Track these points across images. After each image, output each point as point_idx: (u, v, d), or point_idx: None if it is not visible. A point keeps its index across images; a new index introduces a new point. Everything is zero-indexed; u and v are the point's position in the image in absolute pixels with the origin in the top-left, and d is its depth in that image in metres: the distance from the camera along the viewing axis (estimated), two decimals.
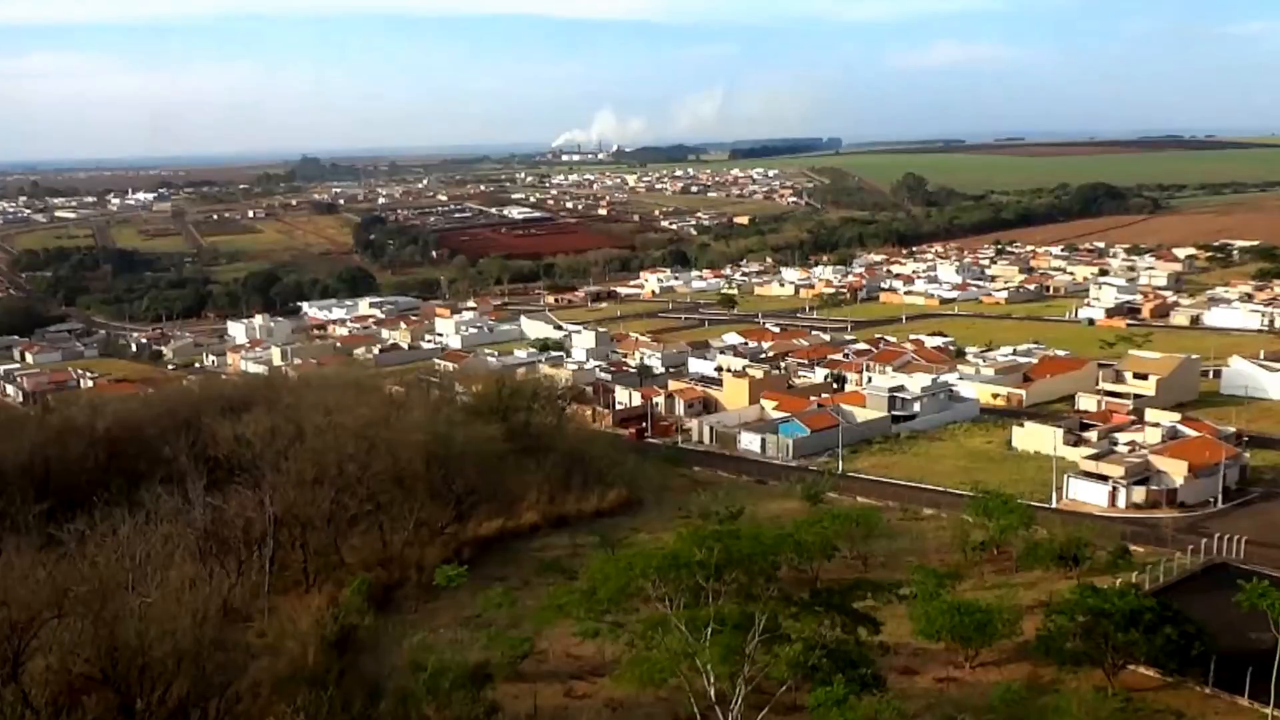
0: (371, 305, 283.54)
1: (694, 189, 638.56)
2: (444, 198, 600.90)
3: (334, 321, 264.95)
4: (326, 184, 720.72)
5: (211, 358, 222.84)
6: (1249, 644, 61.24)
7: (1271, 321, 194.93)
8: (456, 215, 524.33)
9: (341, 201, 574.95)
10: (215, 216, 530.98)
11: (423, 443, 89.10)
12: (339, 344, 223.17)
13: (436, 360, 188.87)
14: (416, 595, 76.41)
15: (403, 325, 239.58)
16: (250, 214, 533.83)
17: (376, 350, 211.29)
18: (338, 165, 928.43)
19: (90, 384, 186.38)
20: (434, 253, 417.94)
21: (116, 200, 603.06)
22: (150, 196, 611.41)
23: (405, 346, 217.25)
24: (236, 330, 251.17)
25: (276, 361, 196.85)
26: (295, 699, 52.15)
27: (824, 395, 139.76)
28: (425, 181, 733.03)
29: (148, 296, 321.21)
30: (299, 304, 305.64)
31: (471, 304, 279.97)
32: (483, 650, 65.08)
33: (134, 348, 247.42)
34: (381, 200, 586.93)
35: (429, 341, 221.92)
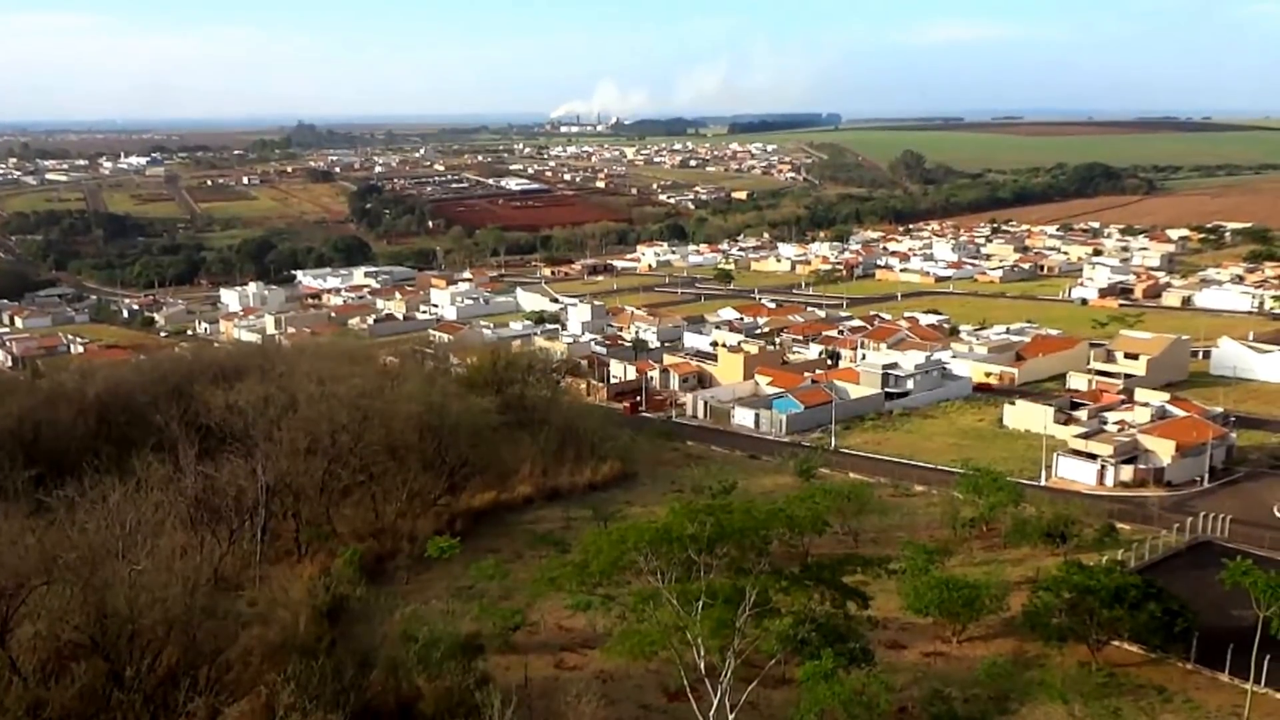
0: (366, 275, 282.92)
1: (692, 163, 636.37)
2: (441, 168, 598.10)
3: (329, 291, 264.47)
4: (323, 151, 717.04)
5: (204, 325, 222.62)
6: (1231, 621, 62.10)
7: (1261, 304, 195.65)
8: (453, 185, 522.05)
9: (338, 169, 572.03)
10: (209, 182, 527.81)
11: (416, 414, 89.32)
12: (333, 313, 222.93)
13: (431, 331, 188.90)
14: (409, 566, 76.80)
15: (398, 295, 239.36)
16: (245, 180, 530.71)
17: (371, 320, 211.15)
18: (334, 133, 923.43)
19: (81, 349, 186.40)
20: (430, 223, 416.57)
21: (109, 164, 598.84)
22: (143, 161, 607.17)
23: (400, 317, 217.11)
24: (230, 298, 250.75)
25: (270, 330, 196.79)
26: (286, 668, 52.45)
27: (818, 371, 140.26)
28: (422, 151, 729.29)
29: (140, 262, 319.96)
30: (293, 272, 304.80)
31: (467, 275, 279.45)
32: (474, 621, 65.54)
33: (125, 314, 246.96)
34: (378, 169, 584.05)
35: (424, 312, 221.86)
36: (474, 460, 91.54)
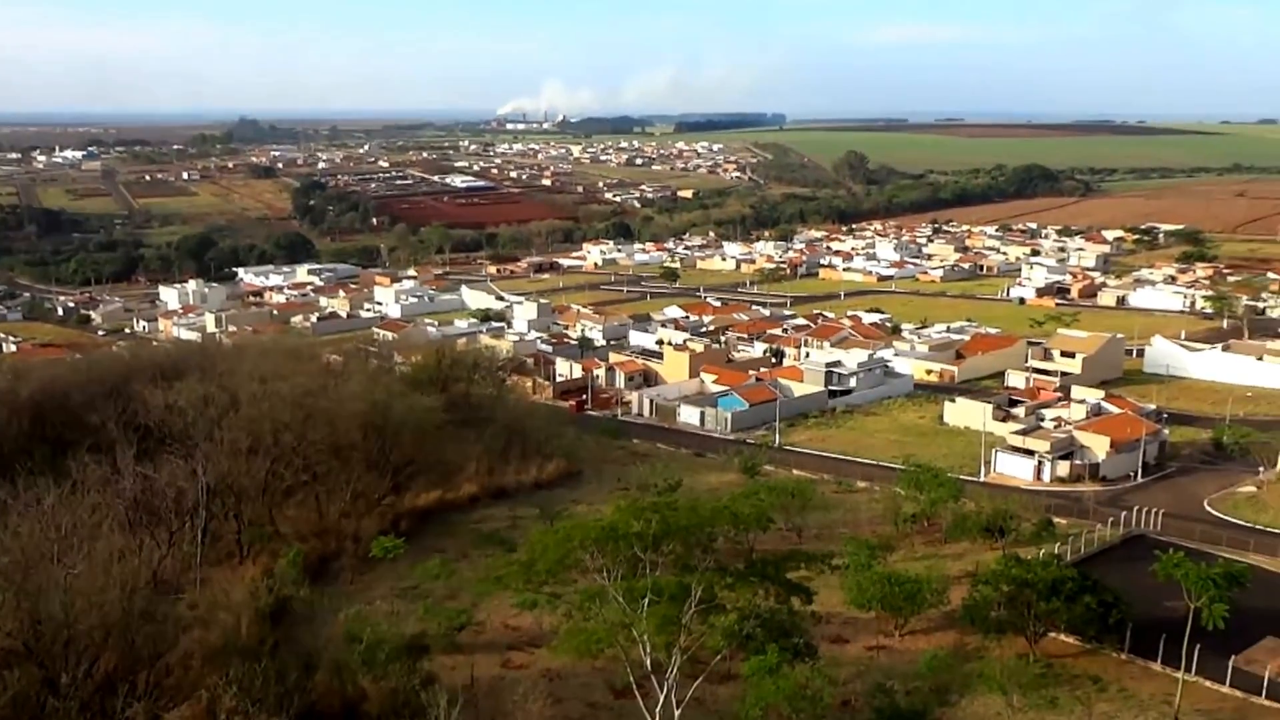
0: (310, 272, 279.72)
1: (639, 161, 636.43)
2: (386, 164, 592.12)
3: (271, 288, 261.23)
4: (265, 147, 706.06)
5: (142, 323, 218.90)
6: (1163, 612, 63.62)
7: (1193, 303, 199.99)
8: (398, 182, 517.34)
9: (280, 165, 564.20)
10: (148, 177, 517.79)
11: (360, 413, 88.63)
12: (275, 311, 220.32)
13: (375, 329, 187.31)
14: (353, 566, 76.31)
15: (341, 293, 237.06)
16: (185, 176, 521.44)
17: (314, 318, 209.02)
18: (276, 128, 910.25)
19: (13, 348, 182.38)
20: (374, 220, 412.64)
21: (43, 157, 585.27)
22: (79, 155, 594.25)
23: (344, 315, 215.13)
24: (169, 295, 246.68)
25: (210, 328, 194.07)
26: (228, 671, 51.99)
27: (762, 369, 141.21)
28: (367, 147, 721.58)
29: (75, 259, 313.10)
30: (234, 270, 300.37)
31: (412, 273, 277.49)
32: (419, 621, 65.33)
33: (60, 311, 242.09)
34: (321, 165, 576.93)
35: (368, 310, 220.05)
36: (419, 459, 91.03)
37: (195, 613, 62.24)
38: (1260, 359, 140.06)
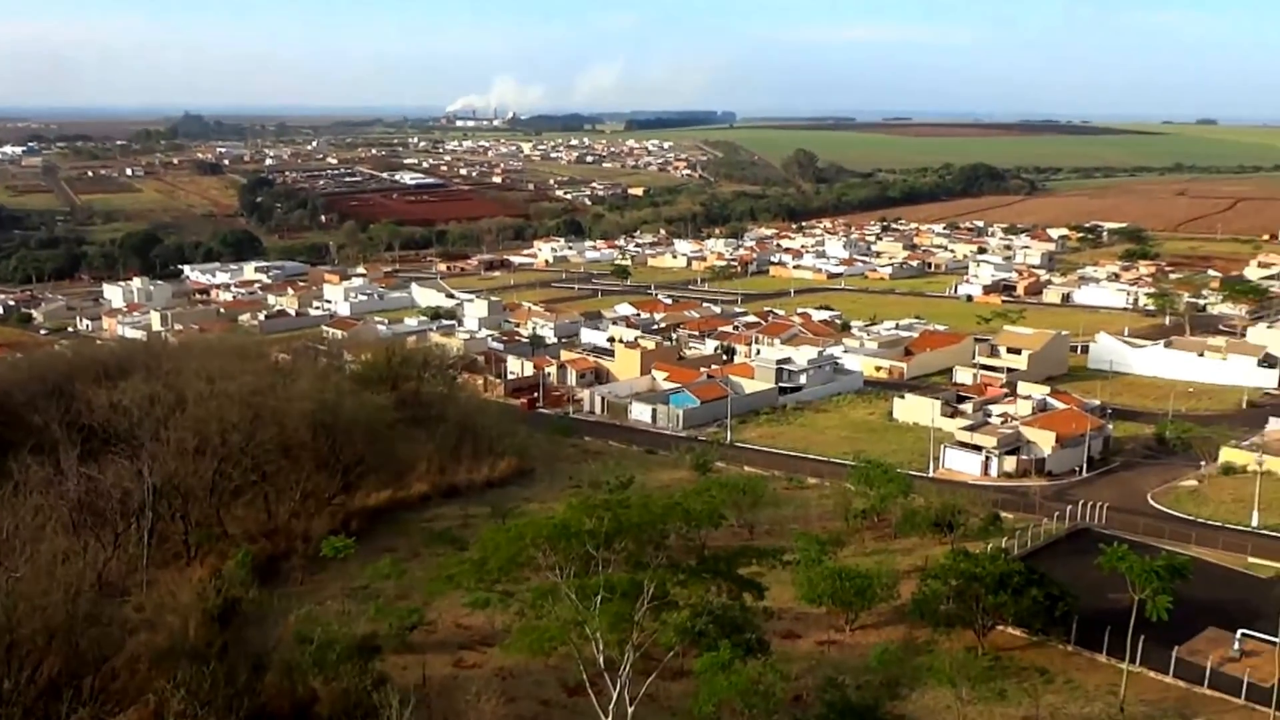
0: (257, 270, 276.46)
1: (589, 159, 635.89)
2: (334, 161, 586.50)
3: (217, 286, 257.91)
4: (210, 143, 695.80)
5: (85, 322, 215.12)
6: (1108, 604, 64.78)
7: (1136, 300, 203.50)
8: (347, 179, 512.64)
9: (226, 162, 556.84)
10: (90, 173, 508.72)
11: (310, 411, 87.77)
12: (222, 309, 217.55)
13: (325, 327, 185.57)
14: (303, 567, 75.60)
15: (290, 291, 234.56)
16: (128, 172, 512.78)
17: (262, 316, 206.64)
18: (222, 124, 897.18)
19: None
20: (323, 217, 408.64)
21: None
22: (19, 150, 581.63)
23: (292, 313, 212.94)
24: (113, 293, 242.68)
25: (156, 326, 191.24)
26: (175, 674, 51.26)
27: (714, 367, 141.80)
28: (315, 143, 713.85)
29: (16, 256, 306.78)
30: (180, 267, 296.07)
31: (361, 270, 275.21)
32: (370, 622, 64.88)
33: (0, 310, 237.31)
34: (269, 161, 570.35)
35: (317, 308, 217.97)
36: (369, 458, 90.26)
37: (141, 615, 61.33)
38: (1201, 355, 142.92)
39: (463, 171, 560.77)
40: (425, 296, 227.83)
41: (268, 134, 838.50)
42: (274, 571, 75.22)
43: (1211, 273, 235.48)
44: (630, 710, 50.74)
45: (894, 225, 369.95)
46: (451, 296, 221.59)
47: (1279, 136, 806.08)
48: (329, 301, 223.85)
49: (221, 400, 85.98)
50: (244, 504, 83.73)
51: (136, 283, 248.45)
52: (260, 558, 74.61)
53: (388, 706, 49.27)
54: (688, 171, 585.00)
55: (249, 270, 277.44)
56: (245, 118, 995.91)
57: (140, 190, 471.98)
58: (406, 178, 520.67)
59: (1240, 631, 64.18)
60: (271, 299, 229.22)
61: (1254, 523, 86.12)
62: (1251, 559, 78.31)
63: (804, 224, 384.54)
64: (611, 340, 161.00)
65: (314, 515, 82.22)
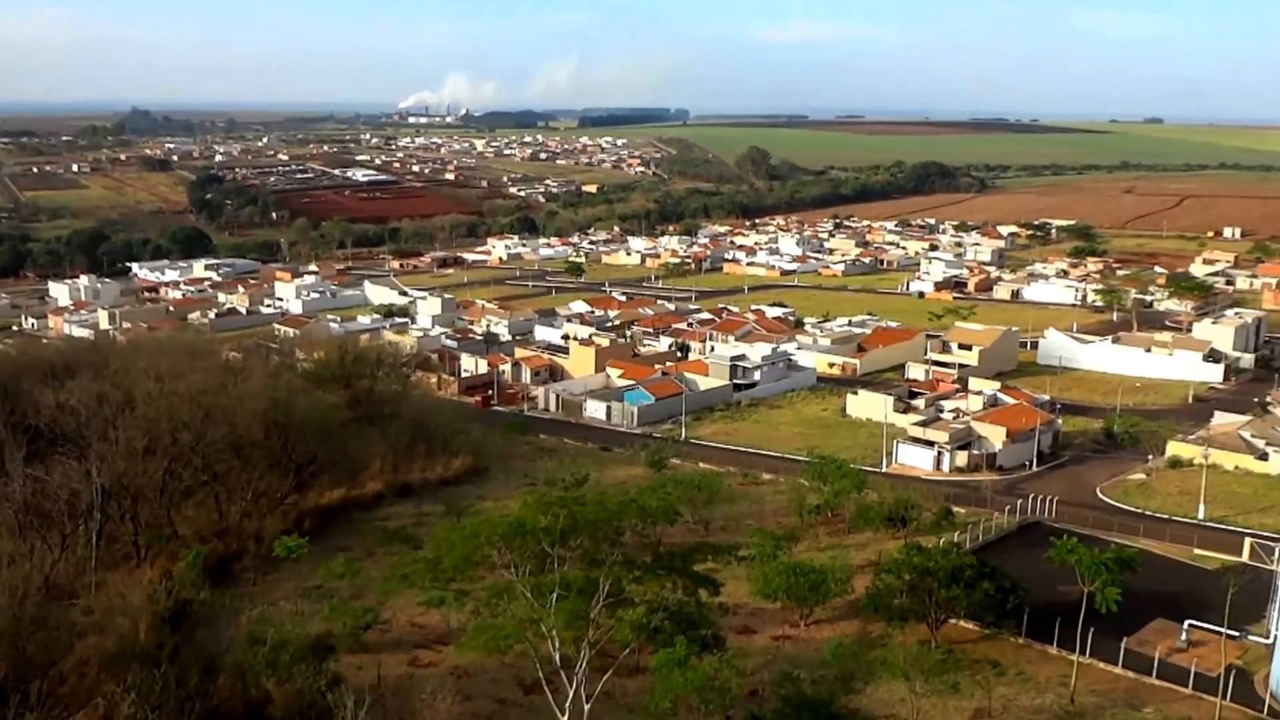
0: (207, 267, 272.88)
1: (543, 156, 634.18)
2: (285, 157, 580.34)
3: (167, 284, 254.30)
4: (159, 139, 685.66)
5: (31, 320, 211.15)
6: (1058, 596, 65.68)
7: (1084, 296, 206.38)
8: (298, 176, 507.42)
9: (175, 158, 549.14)
10: (35, 169, 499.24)
11: (262, 410, 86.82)
12: (172, 307, 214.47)
13: (276, 325, 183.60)
14: (255, 567, 74.86)
15: (240, 289, 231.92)
16: (75, 168, 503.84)
17: (212, 314, 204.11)
18: (171, 119, 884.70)
19: None
20: (274, 214, 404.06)
21: None
22: None
23: (243, 311, 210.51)
24: (59, 291, 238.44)
25: (104, 325, 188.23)
26: (125, 677, 50.58)
27: (668, 363, 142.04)
28: (265, 140, 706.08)
29: None
30: (128, 265, 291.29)
31: (313, 268, 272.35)
32: (324, 622, 64.42)
33: None
34: (218, 158, 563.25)
35: (268, 306, 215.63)
36: (322, 457, 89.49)
37: (90, 618, 60.48)
38: (1148, 350, 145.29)
39: (415, 168, 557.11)
40: (378, 294, 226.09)
41: (217, 130, 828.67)
42: (226, 572, 74.42)
43: (1158, 269, 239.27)
44: (586, 708, 50.78)
45: (846, 223, 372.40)
46: (405, 294, 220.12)
47: (1224, 135, 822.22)
48: (280, 299, 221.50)
49: (171, 399, 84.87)
50: (195, 504, 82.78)
51: (83, 280, 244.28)
52: (212, 558, 73.74)
53: (342, 707, 48.93)
54: (641, 169, 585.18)
55: (199, 268, 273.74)
56: (194, 113, 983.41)
57: (87, 187, 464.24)
58: (359, 174, 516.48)
59: (1187, 622, 65.40)
60: (222, 297, 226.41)
61: (1200, 515, 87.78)
62: (1198, 550, 79.85)
63: (757, 221, 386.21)
64: (566, 338, 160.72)
65: (266, 515, 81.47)
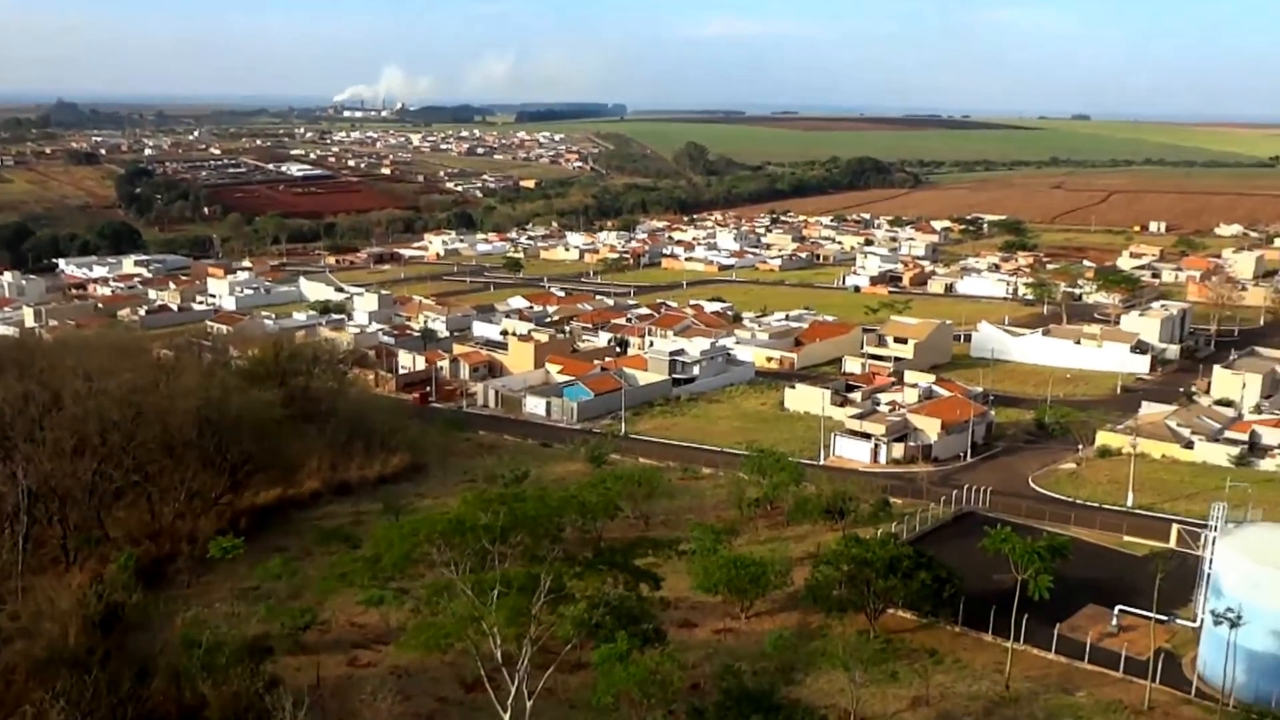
0: (137, 263, 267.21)
1: (480, 150, 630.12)
2: (217, 151, 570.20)
3: (95, 280, 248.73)
4: (85, 132, 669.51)
5: None
6: (993, 585, 66.90)
7: (1015, 290, 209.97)
8: (231, 170, 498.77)
9: (103, 151, 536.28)
10: None
11: (195, 409, 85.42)
12: (100, 304, 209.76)
13: (209, 322, 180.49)
14: (190, 569, 73.65)
15: (172, 285, 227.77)
16: None
17: (143, 311, 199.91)
18: (98, 112, 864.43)
19: None
20: (206, 209, 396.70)
21: None
22: None
23: (175, 308, 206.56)
24: None
25: (29, 323, 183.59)
26: (55, 683, 49.56)
27: (607, 359, 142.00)
28: (196, 133, 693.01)
29: None
30: (54, 261, 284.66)
31: (247, 264, 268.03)
32: (261, 623, 63.64)
33: None
34: (148, 151, 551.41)
35: (201, 303, 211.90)
36: (257, 456, 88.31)
37: (17, 624, 59.21)
38: (1078, 342, 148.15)
39: (351, 163, 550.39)
40: (314, 290, 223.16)
41: (146, 123, 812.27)
42: (159, 575, 73.19)
43: (1086, 263, 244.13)
44: (529, 704, 50.68)
45: (783, 218, 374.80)
46: (341, 290, 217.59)
47: (1149, 131, 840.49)
48: (214, 296, 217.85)
49: (100, 398, 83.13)
50: (126, 505, 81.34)
51: (7, 277, 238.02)
52: (144, 561, 72.48)
53: (280, 709, 48.41)
54: (579, 164, 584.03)
55: (128, 264, 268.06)
56: (122, 106, 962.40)
57: (10, 181, 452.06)
58: (293, 169, 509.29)
59: (1117, 607, 66.94)
60: (153, 294, 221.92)
61: (1129, 503, 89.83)
62: (1127, 537, 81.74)
63: (695, 216, 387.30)
64: (504, 333, 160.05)
65: (200, 515, 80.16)
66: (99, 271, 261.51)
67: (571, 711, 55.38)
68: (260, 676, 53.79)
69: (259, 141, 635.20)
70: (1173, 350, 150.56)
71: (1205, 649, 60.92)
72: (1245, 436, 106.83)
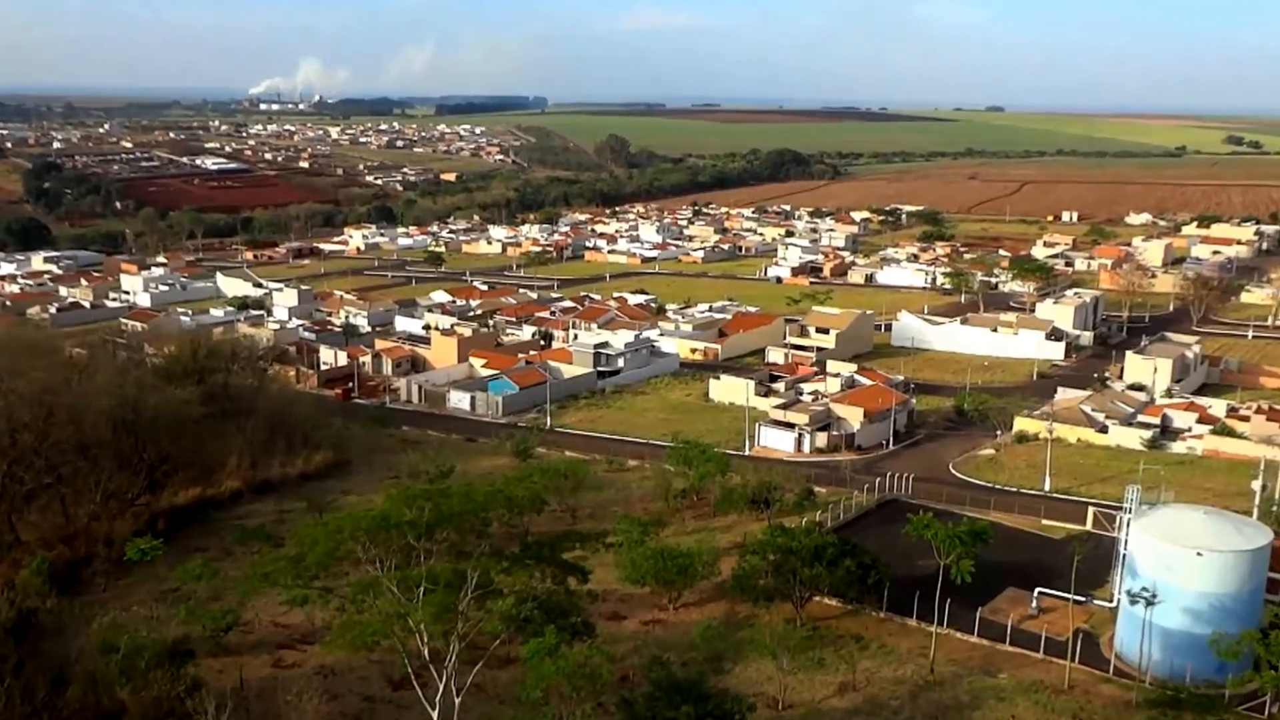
0: (47, 259, 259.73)
1: (400, 144, 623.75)
2: (129, 144, 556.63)
3: (3, 278, 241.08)
4: None
5: None
6: (917, 570, 68.07)
7: (934, 280, 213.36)
8: (143, 164, 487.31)
9: (9, 145, 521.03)
10: None
11: (109, 408, 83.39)
12: (9, 302, 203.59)
13: (123, 320, 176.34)
14: (106, 572, 71.86)
15: (84, 282, 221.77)
16: None
17: (53, 309, 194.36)
18: (3, 104, 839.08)
19: None
20: (118, 204, 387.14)
21: None
22: None
23: (87, 305, 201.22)
24: None
25: None
26: None
27: (532, 352, 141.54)
28: (107, 126, 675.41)
29: None
30: None
31: (161, 260, 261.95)
32: (182, 625, 62.39)
33: None
34: (57, 145, 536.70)
35: (114, 300, 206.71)
36: (175, 455, 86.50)
37: None
38: (995, 330, 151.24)
39: (268, 156, 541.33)
40: (231, 286, 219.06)
41: (54, 115, 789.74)
42: (75, 578, 71.31)
43: (1002, 253, 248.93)
44: (457, 701, 50.37)
45: (705, 210, 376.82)
46: (259, 286, 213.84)
47: (1062, 122, 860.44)
48: (127, 293, 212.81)
49: (10, 398, 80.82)
50: (39, 508, 79.17)
51: None
52: (59, 564, 70.55)
53: (203, 712, 47.53)
54: (500, 157, 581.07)
55: (37, 260, 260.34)
56: (28, 97, 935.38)
57: None
58: (208, 162, 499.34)
59: (1037, 590, 68.45)
60: (63, 290, 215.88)
61: (1046, 487, 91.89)
62: (1045, 521, 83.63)
63: (617, 209, 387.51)
64: (427, 328, 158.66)
65: (117, 517, 78.27)
66: (7, 269, 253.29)
67: (501, 707, 55.17)
68: (181, 680, 52.66)
69: (172, 135, 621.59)
70: (1086, 337, 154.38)
71: (1122, 628, 62.56)
72: (1157, 420, 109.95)
